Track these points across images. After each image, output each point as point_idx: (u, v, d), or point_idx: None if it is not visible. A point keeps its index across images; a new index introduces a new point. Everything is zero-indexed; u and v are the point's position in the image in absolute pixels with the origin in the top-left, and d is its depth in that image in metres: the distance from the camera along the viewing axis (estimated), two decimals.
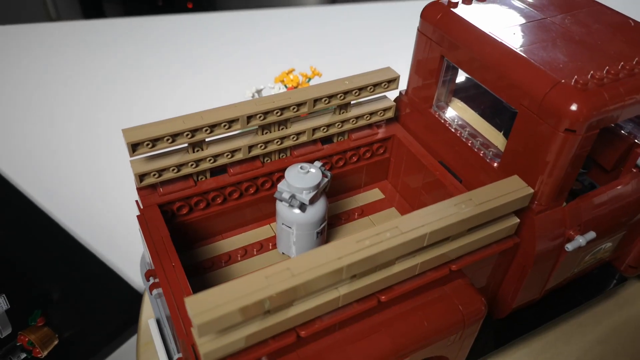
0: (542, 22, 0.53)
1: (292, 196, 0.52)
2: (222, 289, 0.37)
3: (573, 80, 0.45)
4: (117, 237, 0.74)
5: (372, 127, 0.64)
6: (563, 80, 0.45)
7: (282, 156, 0.59)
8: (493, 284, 0.56)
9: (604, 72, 0.46)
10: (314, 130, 0.59)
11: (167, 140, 0.51)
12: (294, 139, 0.58)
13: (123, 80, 1.10)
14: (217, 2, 2.05)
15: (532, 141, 0.47)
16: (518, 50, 0.49)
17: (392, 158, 0.66)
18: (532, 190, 0.46)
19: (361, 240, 0.40)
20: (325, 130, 0.60)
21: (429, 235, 0.42)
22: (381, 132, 0.64)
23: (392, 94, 0.64)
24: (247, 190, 0.58)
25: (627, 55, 0.49)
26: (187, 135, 0.52)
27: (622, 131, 0.58)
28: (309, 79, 0.84)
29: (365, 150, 0.64)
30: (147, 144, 0.50)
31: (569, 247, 0.51)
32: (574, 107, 0.43)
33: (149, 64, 1.15)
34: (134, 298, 0.66)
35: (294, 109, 0.56)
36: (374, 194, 0.68)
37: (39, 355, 0.61)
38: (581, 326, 0.66)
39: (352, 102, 0.60)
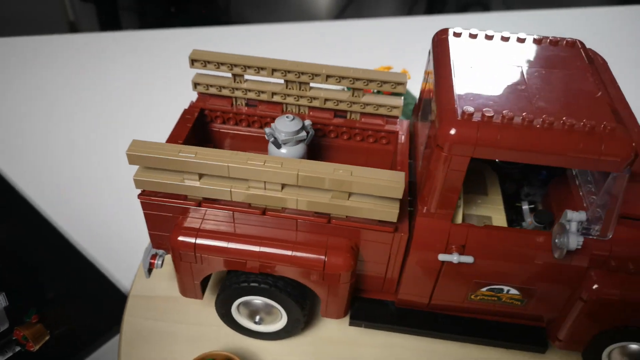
0: (511, 68, 0.59)
1: (273, 134, 0.70)
2: (158, 145, 0.58)
3: (470, 112, 0.52)
4: (110, 243, 0.88)
5: (384, 119, 0.76)
6: (463, 108, 0.53)
7: (302, 112, 0.77)
8: (388, 273, 0.65)
9: (504, 116, 0.51)
10: (326, 100, 0.74)
11: (215, 65, 0.73)
12: (309, 101, 0.75)
13: (143, 88, 1.23)
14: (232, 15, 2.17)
15: (428, 152, 0.56)
16: (456, 82, 0.57)
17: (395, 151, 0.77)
18: (402, 185, 0.55)
19: (252, 160, 0.57)
20: (336, 104, 0.74)
21: (299, 176, 0.56)
22: (389, 126, 0.76)
23: None
24: (267, 125, 0.77)
25: (557, 116, 0.52)
26: (229, 67, 0.73)
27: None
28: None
29: (369, 135, 0.76)
30: (202, 63, 0.73)
31: (440, 257, 0.58)
32: (446, 128, 0.51)
33: (173, 75, 1.28)
34: (120, 300, 0.78)
35: (309, 76, 0.72)
36: None
37: (31, 349, 0.73)
38: None
39: (364, 92, 0.73)
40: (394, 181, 0.56)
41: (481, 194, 0.70)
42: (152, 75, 1.29)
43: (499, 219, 0.66)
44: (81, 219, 0.92)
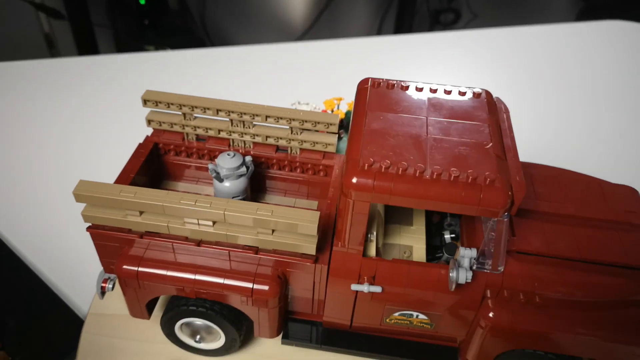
0: (417, 119, 0.66)
1: (215, 170, 0.77)
2: (102, 186, 0.65)
3: (370, 162, 0.59)
4: (67, 268, 0.92)
5: (321, 153, 0.83)
6: (364, 159, 0.60)
7: (247, 146, 0.84)
8: (314, 297, 0.72)
9: (399, 167, 0.58)
10: (267, 137, 0.81)
11: (165, 105, 0.80)
12: (252, 137, 0.82)
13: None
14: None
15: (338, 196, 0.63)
16: (365, 132, 0.64)
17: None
18: (315, 224, 0.62)
19: (184, 199, 0.64)
20: (277, 140, 0.81)
21: (226, 215, 0.63)
22: (326, 160, 0.83)
23: None
24: (215, 157, 0.84)
25: (446, 167, 0.59)
26: (178, 106, 0.80)
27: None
28: (348, 110, 1.04)
29: (308, 168, 0.83)
30: (154, 103, 0.80)
31: (353, 287, 0.65)
32: (349, 177, 0.59)
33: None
34: (77, 323, 0.83)
35: (251, 116, 0.79)
36: (310, 204, 0.87)
37: None
38: None
39: (303, 129, 0.80)
40: (309, 220, 0.63)
41: (407, 225, 0.77)
42: (114, 101, 1.35)
43: (419, 248, 0.74)
44: (38, 246, 0.97)
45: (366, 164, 0.59)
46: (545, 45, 1.67)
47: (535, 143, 1.24)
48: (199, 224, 0.66)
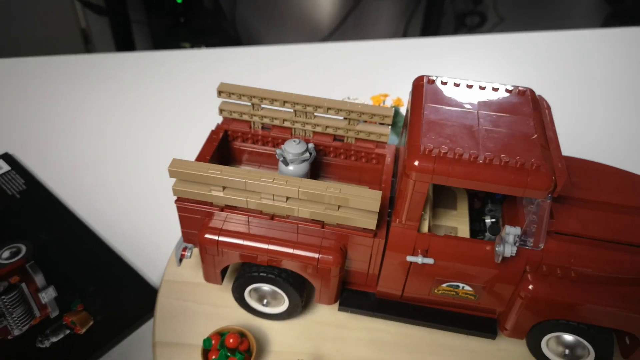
0: (469, 112, 0.75)
1: (282, 154, 0.86)
2: (192, 164, 0.75)
3: (430, 148, 0.68)
4: (138, 244, 1.03)
5: (374, 143, 0.92)
6: (425, 145, 0.68)
7: (307, 135, 0.93)
8: (370, 269, 0.81)
9: (455, 153, 0.67)
10: (327, 127, 0.91)
11: (237, 96, 0.89)
12: (313, 127, 0.91)
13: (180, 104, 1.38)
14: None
15: (400, 177, 0.72)
16: (424, 122, 0.73)
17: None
18: (378, 202, 0.71)
19: (264, 177, 0.73)
20: (335, 130, 0.91)
21: (300, 191, 0.72)
22: (378, 149, 0.91)
23: None
24: (278, 145, 0.94)
25: (497, 153, 0.68)
26: (248, 98, 0.89)
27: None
28: (394, 106, 1.13)
29: (362, 156, 0.92)
30: (227, 94, 0.90)
31: (408, 258, 0.74)
32: (412, 160, 0.68)
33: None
34: (151, 293, 0.93)
35: (313, 107, 0.88)
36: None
37: (78, 332, 0.87)
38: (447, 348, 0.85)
39: (360, 120, 0.89)
40: (372, 198, 0.72)
41: (451, 209, 0.86)
42: (178, 95, 1.46)
43: (464, 229, 0.82)
44: (113, 223, 1.08)
45: (426, 150, 0.68)
46: (570, 50, 1.74)
47: (563, 142, 1.32)
48: (274, 199, 0.75)
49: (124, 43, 2.69)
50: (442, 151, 0.67)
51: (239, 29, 2.78)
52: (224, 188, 0.76)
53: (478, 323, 0.83)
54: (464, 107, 0.76)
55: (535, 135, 0.71)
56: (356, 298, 0.85)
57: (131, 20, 2.67)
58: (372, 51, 1.70)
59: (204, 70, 1.56)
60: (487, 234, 0.80)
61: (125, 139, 1.30)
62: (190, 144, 1.03)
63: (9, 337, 0.86)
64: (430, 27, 2.90)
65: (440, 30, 2.92)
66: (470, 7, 2.97)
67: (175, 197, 0.79)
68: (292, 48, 1.69)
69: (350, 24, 2.81)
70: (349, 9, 2.79)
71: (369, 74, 1.56)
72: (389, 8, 2.98)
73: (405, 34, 2.91)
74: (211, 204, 0.78)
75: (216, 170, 0.74)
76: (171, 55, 1.65)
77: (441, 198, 0.86)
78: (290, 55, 1.66)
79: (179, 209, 0.79)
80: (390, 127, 0.91)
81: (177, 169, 0.74)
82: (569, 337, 0.78)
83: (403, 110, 1.22)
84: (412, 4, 2.90)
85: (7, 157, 1.21)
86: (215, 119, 0.96)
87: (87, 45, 2.67)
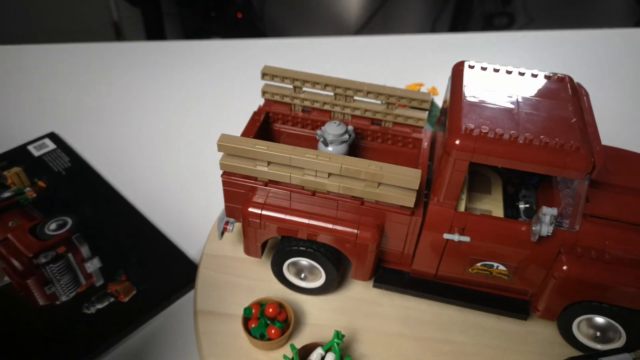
0: (509, 96, 0.77)
1: (323, 135, 0.89)
2: (240, 139, 0.78)
3: (471, 128, 0.70)
4: (177, 220, 1.07)
5: (411, 128, 0.94)
6: (466, 125, 0.71)
7: (346, 119, 0.96)
8: (405, 248, 0.84)
9: (496, 133, 0.69)
10: (366, 110, 0.93)
11: (280, 79, 0.93)
12: (352, 110, 0.94)
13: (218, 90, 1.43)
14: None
15: (440, 156, 0.75)
16: (464, 104, 0.75)
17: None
18: (418, 179, 0.73)
19: (308, 154, 0.76)
20: (373, 114, 0.93)
21: (342, 168, 0.75)
22: (415, 134, 0.94)
23: None
24: (317, 127, 0.97)
25: (536, 135, 0.70)
26: (291, 81, 0.93)
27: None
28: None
29: (398, 140, 0.95)
30: (270, 77, 0.93)
31: (445, 235, 0.76)
32: (453, 139, 0.70)
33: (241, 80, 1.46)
34: (191, 267, 0.98)
35: (353, 91, 0.91)
36: None
37: (122, 300, 0.91)
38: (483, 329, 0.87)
39: (396, 105, 0.92)
40: (412, 176, 0.75)
41: (486, 193, 0.88)
42: (220, 82, 1.51)
43: (497, 212, 0.84)
44: (153, 200, 1.13)
45: (467, 129, 0.70)
46: (602, 50, 1.74)
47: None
48: (316, 175, 0.78)
49: (155, 35, 2.75)
50: (483, 131, 0.70)
51: (268, 24, 2.83)
52: (269, 163, 0.79)
53: (510, 304, 0.85)
54: (504, 91, 0.78)
55: (574, 119, 0.73)
56: (390, 276, 0.88)
57: (163, 13, 2.73)
58: (402, 45, 1.72)
59: (238, 60, 1.60)
60: (522, 217, 0.82)
61: (164, 120, 1.35)
62: (225, 123, 1.08)
63: (57, 303, 0.91)
64: (458, 26, 2.91)
65: (469, 28, 2.92)
66: (499, 7, 2.97)
67: (217, 174, 0.83)
68: (322, 41, 1.72)
69: (378, 20, 2.84)
70: (376, 7, 2.81)
71: (400, 66, 1.58)
72: (416, 6, 2.99)
73: (433, 31, 2.93)
74: (255, 179, 0.82)
75: (263, 146, 0.77)
76: (206, 45, 1.69)
77: (476, 183, 0.88)
78: (321, 48, 1.69)
79: (224, 183, 0.83)
80: (427, 112, 0.93)
81: (225, 143, 0.78)
82: (600, 320, 0.80)
83: (437, 100, 1.24)
84: (439, 3, 2.91)
85: (53, 136, 1.26)
86: (248, 104, 0.99)
87: (119, 36, 2.74)
